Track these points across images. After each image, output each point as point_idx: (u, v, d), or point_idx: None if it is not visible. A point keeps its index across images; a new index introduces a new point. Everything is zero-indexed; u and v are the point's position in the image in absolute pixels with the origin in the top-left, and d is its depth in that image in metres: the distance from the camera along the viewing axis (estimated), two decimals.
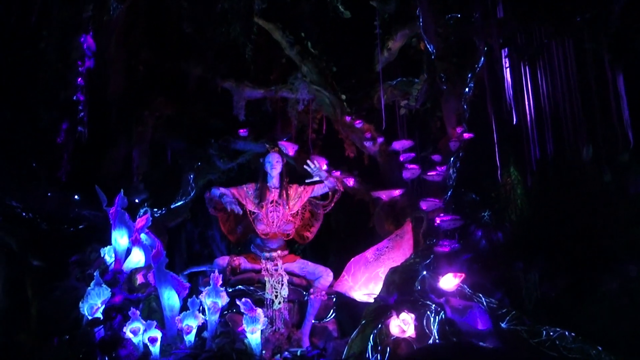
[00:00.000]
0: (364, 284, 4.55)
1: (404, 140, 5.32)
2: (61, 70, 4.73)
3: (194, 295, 4.19)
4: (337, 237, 6.27)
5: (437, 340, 3.46)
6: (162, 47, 5.85)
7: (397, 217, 5.02)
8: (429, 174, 4.88)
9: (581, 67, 4.73)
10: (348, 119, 5.57)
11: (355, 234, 5.96)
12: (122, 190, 4.59)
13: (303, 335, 4.62)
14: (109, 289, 4.10)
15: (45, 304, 4.43)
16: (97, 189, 4.57)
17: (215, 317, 4.14)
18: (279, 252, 4.84)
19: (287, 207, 4.89)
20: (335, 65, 5.79)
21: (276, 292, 4.60)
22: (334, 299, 4.85)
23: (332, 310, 4.86)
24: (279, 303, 4.58)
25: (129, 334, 3.89)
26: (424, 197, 4.68)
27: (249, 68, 5.81)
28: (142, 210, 5.25)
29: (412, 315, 3.56)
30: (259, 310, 4.08)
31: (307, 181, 4.90)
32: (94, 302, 4.01)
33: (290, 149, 5.60)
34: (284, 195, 4.89)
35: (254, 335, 4.00)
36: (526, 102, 5.03)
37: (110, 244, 4.63)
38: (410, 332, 3.50)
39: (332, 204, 4.95)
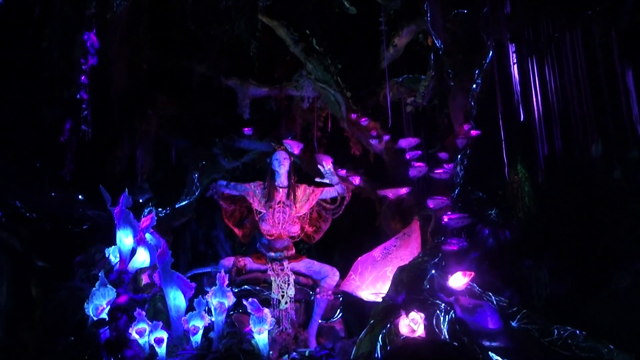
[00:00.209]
0: (372, 283, 4.51)
1: (410, 138, 5.29)
2: (64, 69, 4.70)
3: (200, 296, 4.14)
4: (343, 236, 6.22)
5: (447, 340, 3.40)
6: (166, 44, 5.82)
7: (403, 216, 4.98)
8: (436, 171, 4.86)
9: (590, 63, 4.66)
10: (354, 116, 5.54)
11: (361, 233, 5.92)
12: (126, 189, 4.55)
13: (310, 336, 4.58)
14: (114, 290, 4.07)
15: (49, 305, 4.39)
16: (101, 188, 4.54)
17: (221, 318, 4.09)
18: (285, 252, 4.79)
19: (294, 208, 4.83)
20: (341, 62, 5.74)
21: (283, 292, 4.56)
22: (341, 299, 4.81)
23: (338, 310, 4.83)
24: (286, 303, 4.54)
25: (134, 335, 3.85)
26: (431, 195, 4.65)
27: (254, 66, 5.77)
28: (146, 210, 5.21)
29: (422, 315, 3.50)
30: (266, 310, 4.04)
31: (317, 180, 4.83)
32: (99, 303, 3.98)
33: (295, 147, 5.55)
34: (292, 196, 4.84)
35: (261, 336, 3.95)
36: (534, 99, 4.96)
37: (114, 244, 4.61)
38: (420, 331, 3.44)
39: (341, 211, 4.89)
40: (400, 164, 5.27)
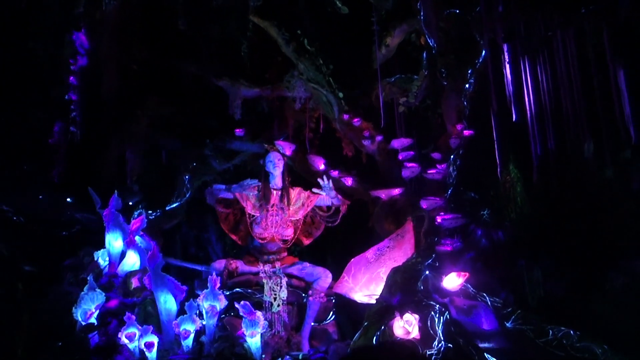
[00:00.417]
0: (365, 284, 4.48)
1: (403, 139, 5.28)
2: (53, 69, 4.63)
3: (192, 299, 4.09)
4: (335, 238, 6.19)
5: (442, 342, 3.37)
6: (156, 45, 5.76)
7: (397, 217, 4.96)
8: (429, 172, 4.84)
9: (583, 62, 4.67)
10: (346, 117, 5.51)
11: (354, 235, 5.88)
12: (116, 191, 4.49)
13: (303, 339, 4.53)
14: (104, 294, 4.00)
15: (37, 309, 4.31)
16: (90, 191, 4.48)
17: (213, 321, 4.04)
18: (277, 254, 4.74)
19: (288, 211, 4.77)
20: (333, 62, 5.72)
21: (275, 294, 4.50)
22: (334, 301, 4.77)
23: (331, 312, 4.78)
24: (278, 306, 4.48)
25: (124, 340, 3.78)
26: (424, 195, 4.62)
27: (245, 66, 5.73)
28: (136, 212, 5.14)
29: (416, 316, 3.47)
30: (259, 313, 3.99)
31: (314, 190, 4.76)
32: (88, 307, 3.91)
33: (287, 148, 5.53)
34: (285, 199, 4.77)
35: (253, 339, 3.90)
36: (526, 99, 4.96)
37: (104, 247, 4.55)
38: (414, 333, 3.41)
39: (337, 221, 4.83)
40: (393, 164, 5.25)
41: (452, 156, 4.82)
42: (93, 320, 3.89)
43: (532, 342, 3.54)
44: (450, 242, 4.28)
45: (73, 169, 5.20)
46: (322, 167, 5.66)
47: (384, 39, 5.47)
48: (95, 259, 4.60)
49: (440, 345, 3.38)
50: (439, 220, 4.39)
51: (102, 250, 4.59)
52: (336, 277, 4.66)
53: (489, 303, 3.76)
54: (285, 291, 4.54)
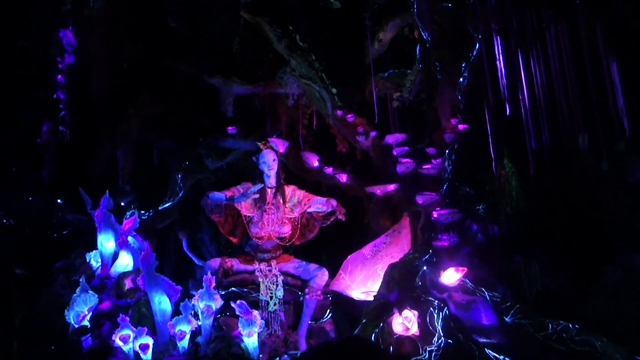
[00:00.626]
0: (362, 281, 4.45)
1: (397, 134, 5.25)
2: (40, 67, 4.54)
3: (186, 299, 4.03)
4: (331, 235, 6.14)
5: (442, 338, 3.34)
6: (147, 42, 5.69)
7: (392, 212, 4.93)
8: (424, 167, 4.81)
9: (577, 55, 4.65)
10: (339, 113, 5.47)
11: (350, 231, 5.84)
12: (107, 191, 4.42)
13: (300, 337, 4.48)
14: (96, 295, 3.93)
15: (29, 313, 4.26)
16: (81, 191, 4.41)
17: (209, 321, 3.98)
18: (273, 253, 4.69)
19: (283, 208, 4.69)
20: (325, 58, 5.67)
21: (271, 293, 4.44)
22: (330, 299, 4.72)
23: (328, 310, 4.74)
24: (275, 305, 4.42)
25: (118, 342, 3.71)
26: (419, 190, 4.59)
27: (237, 64, 5.68)
28: (128, 213, 5.07)
29: (415, 312, 3.44)
30: (255, 313, 3.93)
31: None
32: (80, 310, 3.84)
33: (280, 145, 5.45)
34: (280, 197, 4.70)
35: (250, 339, 3.85)
36: (520, 92, 4.94)
37: (96, 248, 4.48)
38: (414, 329, 3.39)
39: (329, 222, 4.75)
40: (387, 160, 5.22)
41: (447, 151, 4.79)
42: (86, 322, 3.81)
43: (531, 337, 3.53)
44: (447, 237, 4.26)
45: (63, 169, 5.11)
46: (315, 163, 5.62)
47: (376, 33, 5.44)
48: (87, 260, 4.53)
49: (440, 341, 3.36)
50: (435, 215, 4.36)
51: (94, 251, 4.52)
52: (332, 274, 4.62)
53: (488, 298, 3.74)
54: (282, 290, 4.48)
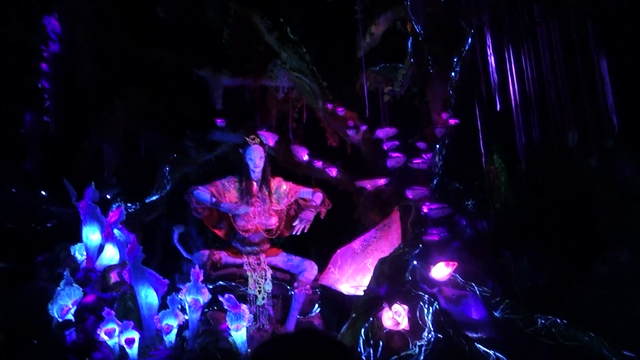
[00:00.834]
0: (352, 276, 4.42)
1: (388, 128, 5.23)
2: (23, 55, 4.41)
3: (173, 293, 3.97)
4: (320, 228, 6.10)
5: (432, 332, 3.32)
6: (134, 32, 5.57)
7: (382, 207, 4.91)
8: (414, 161, 4.79)
9: (567, 51, 4.66)
10: (330, 106, 5.43)
11: (339, 226, 5.81)
12: (92, 182, 4.33)
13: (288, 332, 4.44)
14: (81, 289, 3.88)
15: (11, 307, 4.16)
16: (65, 182, 4.31)
17: (196, 315, 3.92)
18: (261, 245, 4.63)
19: (269, 200, 4.63)
20: (316, 51, 5.61)
21: (259, 287, 4.39)
22: (319, 293, 4.69)
23: (316, 305, 4.70)
24: (263, 299, 4.38)
25: (103, 336, 3.65)
26: (409, 185, 4.57)
27: (226, 55, 5.59)
28: (114, 205, 4.97)
29: (405, 307, 3.42)
30: (244, 306, 3.89)
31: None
32: (64, 303, 3.77)
33: (270, 138, 5.41)
34: (265, 189, 4.62)
35: (238, 333, 3.81)
36: (511, 88, 4.94)
37: (80, 240, 4.40)
38: (404, 324, 3.36)
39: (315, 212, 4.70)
40: (377, 154, 5.19)
41: (437, 145, 4.77)
42: (70, 316, 3.76)
43: (521, 331, 3.54)
44: (437, 231, 4.24)
45: (47, 160, 5.00)
46: (305, 157, 5.57)
47: (368, 27, 5.39)
48: (72, 253, 4.46)
49: (430, 335, 3.34)
50: (425, 210, 4.34)
51: (78, 244, 4.45)
52: (321, 268, 4.59)
53: (478, 293, 3.73)
54: (270, 284, 4.43)
